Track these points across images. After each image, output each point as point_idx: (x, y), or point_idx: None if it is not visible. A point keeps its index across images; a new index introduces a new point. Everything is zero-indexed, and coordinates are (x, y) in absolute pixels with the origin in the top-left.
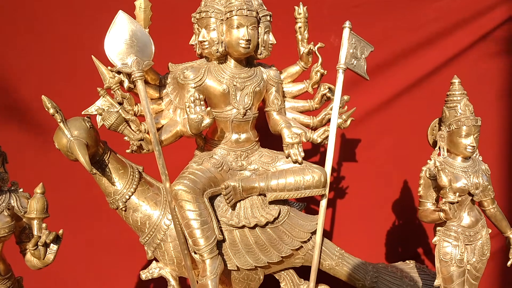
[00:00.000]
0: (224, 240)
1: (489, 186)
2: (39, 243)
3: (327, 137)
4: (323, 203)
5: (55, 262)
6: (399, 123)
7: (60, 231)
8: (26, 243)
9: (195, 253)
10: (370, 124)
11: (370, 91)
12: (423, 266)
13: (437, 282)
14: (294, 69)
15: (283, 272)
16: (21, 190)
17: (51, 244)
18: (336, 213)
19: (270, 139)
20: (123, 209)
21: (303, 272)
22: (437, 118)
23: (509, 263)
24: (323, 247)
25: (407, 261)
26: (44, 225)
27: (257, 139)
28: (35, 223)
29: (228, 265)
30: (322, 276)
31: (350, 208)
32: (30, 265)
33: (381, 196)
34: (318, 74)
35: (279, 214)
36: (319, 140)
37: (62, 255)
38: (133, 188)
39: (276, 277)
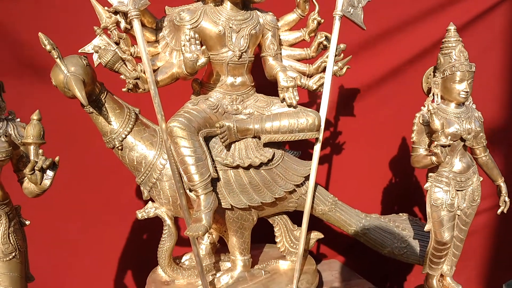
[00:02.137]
0: (218, 179)
1: (481, 134)
2: (35, 168)
3: (322, 84)
4: (317, 147)
5: (51, 191)
6: (401, 90)
7: (57, 158)
8: (23, 171)
9: (190, 190)
10: (371, 91)
11: (372, 59)
12: (416, 218)
13: (427, 227)
14: (291, 17)
15: (277, 217)
16: (18, 120)
17: (48, 171)
18: (332, 170)
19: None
20: (119, 148)
21: (296, 218)
22: (432, 66)
23: (499, 210)
24: (316, 193)
25: (400, 214)
26: (40, 151)
27: (253, 84)
28: (31, 148)
29: (222, 203)
30: (315, 225)
31: (345, 165)
32: (28, 192)
33: (378, 155)
34: (315, 22)
35: (273, 156)
36: (314, 87)
37: (58, 184)
38: (129, 128)
39: (270, 222)
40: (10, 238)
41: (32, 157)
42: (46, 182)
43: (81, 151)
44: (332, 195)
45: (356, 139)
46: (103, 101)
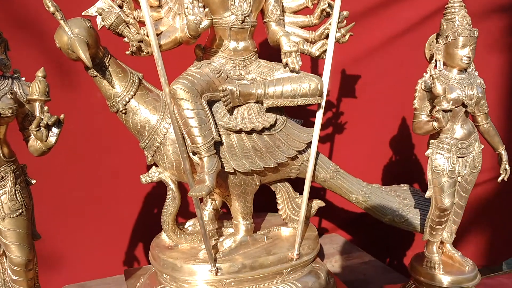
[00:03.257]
0: (221, 144)
1: (483, 101)
2: (41, 124)
3: (325, 51)
4: (319, 114)
5: (56, 154)
6: (404, 58)
7: (62, 116)
8: (29, 130)
9: (194, 154)
10: (373, 59)
11: (374, 26)
12: (417, 189)
13: (428, 193)
14: None
15: (279, 184)
16: (23, 78)
17: (53, 128)
18: (334, 140)
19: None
20: (123, 111)
21: (298, 188)
22: (435, 33)
23: (499, 178)
24: (318, 161)
25: (402, 185)
26: (46, 108)
27: (256, 49)
28: (37, 105)
29: (225, 167)
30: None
31: (347, 135)
32: (33, 150)
33: (380, 124)
34: None
35: (275, 122)
36: (317, 54)
37: (64, 146)
38: (133, 92)
39: (272, 189)
40: (17, 195)
41: (37, 114)
42: (52, 139)
43: (87, 115)
44: (334, 164)
45: (359, 108)
46: (107, 64)
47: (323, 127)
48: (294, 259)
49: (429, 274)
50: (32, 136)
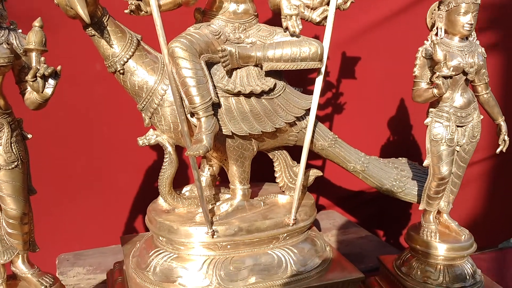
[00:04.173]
0: (219, 106)
1: (483, 70)
2: (37, 75)
3: (326, 17)
4: (319, 80)
5: (53, 111)
6: (405, 28)
7: (59, 67)
8: (25, 83)
9: (192, 115)
10: (374, 28)
11: (372, 5)
12: (415, 163)
13: (426, 162)
14: None
15: (276, 151)
16: (20, 30)
17: (49, 79)
18: (334, 122)
19: None
20: (121, 72)
21: (296, 155)
22: (437, 1)
23: (498, 149)
24: (317, 129)
25: (400, 158)
26: (42, 58)
27: (256, 13)
28: (33, 55)
29: (223, 130)
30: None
31: (346, 118)
32: (30, 103)
33: (379, 107)
34: None
35: (274, 86)
36: (318, 20)
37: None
38: (131, 52)
39: (270, 157)
40: (13, 147)
41: (34, 64)
42: (48, 90)
43: (84, 76)
44: (332, 133)
45: (357, 86)
46: (105, 24)
47: (323, 106)
48: (291, 224)
49: (425, 242)
50: (29, 89)
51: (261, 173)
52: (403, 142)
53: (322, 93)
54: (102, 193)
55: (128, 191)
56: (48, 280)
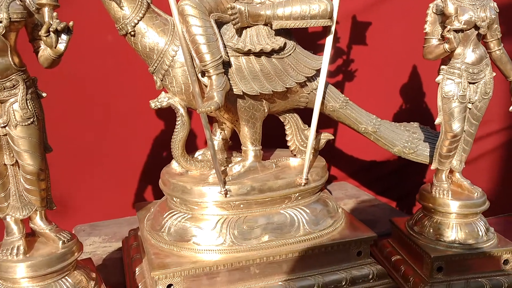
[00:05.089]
0: (230, 66)
1: (495, 25)
2: (50, 29)
3: None
4: (329, 39)
5: (64, 73)
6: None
7: (71, 23)
8: (39, 41)
9: (202, 75)
10: (380, 6)
11: None
12: (427, 127)
13: (438, 120)
14: None
15: (287, 114)
16: None
17: (62, 35)
18: (345, 88)
19: None
20: (132, 34)
21: (307, 120)
22: None
23: (511, 107)
24: (328, 91)
25: (411, 122)
26: (55, 13)
27: None
28: (46, 10)
29: (234, 89)
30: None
31: (357, 85)
32: (43, 60)
33: (390, 76)
34: None
35: (284, 45)
36: None
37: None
38: (141, 14)
39: (281, 120)
40: (28, 104)
41: (46, 19)
42: (61, 46)
43: (94, 41)
44: (343, 95)
45: (368, 55)
46: None
47: (333, 73)
48: (302, 184)
49: (438, 200)
50: (42, 46)
51: (272, 140)
52: (415, 109)
53: (333, 60)
54: (118, 166)
55: (143, 164)
56: (66, 235)
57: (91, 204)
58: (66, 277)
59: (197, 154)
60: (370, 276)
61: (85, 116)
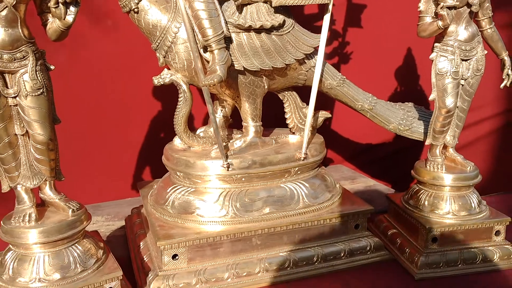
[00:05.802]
0: (231, 42)
1: (487, 4)
2: (59, 1)
3: None
4: (327, 17)
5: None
6: None
7: None
8: (47, 14)
9: (205, 51)
10: None
11: None
12: (421, 107)
13: (431, 96)
14: None
15: (286, 92)
16: None
17: (71, 6)
18: (341, 70)
19: None
20: (135, 11)
21: (305, 98)
22: None
23: (502, 84)
24: (325, 69)
25: (406, 102)
26: None
27: None
28: None
29: (235, 65)
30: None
31: (353, 67)
32: (52, 32)
33: (386, 58)
34: None
35: (284, 22)
36: None
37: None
38: None
39: (280, 97)
40: (37, 75)
41: None
42: (69, 18)
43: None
44: (340, 74)
45: (364, 37)
46: None
47: (329, 55)
48: (301, 159)
49: (432, 174)
50: (50, 19)
51: (272, 119)
52: (410, 92)
53: (329, 42)
54: (119, 147)
55: (138, 144)
56: (74, 205)
57: (91, 186)
58: (76, 244)
59: (198, 131)
60: (368, 248)
61: (84, 97)
